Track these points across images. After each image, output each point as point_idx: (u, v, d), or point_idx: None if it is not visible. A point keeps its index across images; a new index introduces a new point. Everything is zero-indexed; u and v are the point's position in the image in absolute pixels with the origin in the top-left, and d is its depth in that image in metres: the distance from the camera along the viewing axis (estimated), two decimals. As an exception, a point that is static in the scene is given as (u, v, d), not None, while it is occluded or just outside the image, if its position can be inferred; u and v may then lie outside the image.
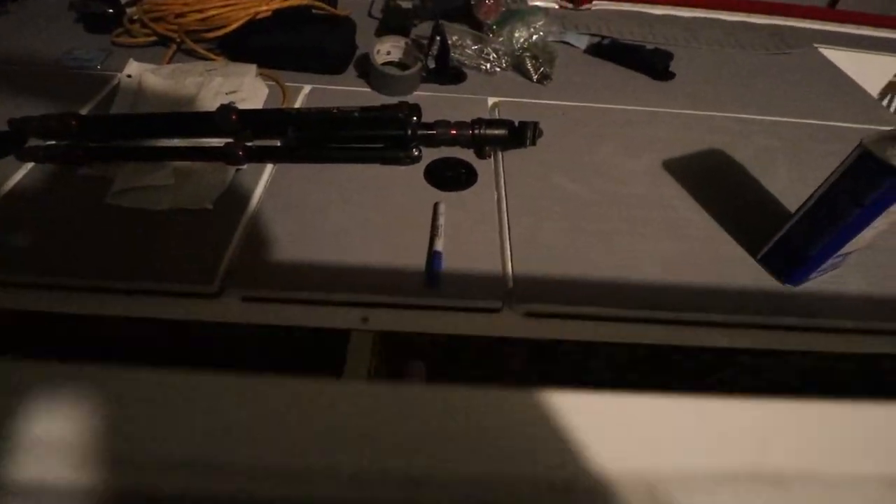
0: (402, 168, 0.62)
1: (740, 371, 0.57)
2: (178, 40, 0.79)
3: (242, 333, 0.50)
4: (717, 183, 0.64)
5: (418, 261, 0.52)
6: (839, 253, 0.49)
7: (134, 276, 0.49)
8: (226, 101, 0.63)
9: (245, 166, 0.60)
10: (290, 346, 0.52)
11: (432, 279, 0.49)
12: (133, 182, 0.56)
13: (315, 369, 0.53)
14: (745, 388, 0.62)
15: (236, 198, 0.57)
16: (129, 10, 0.86)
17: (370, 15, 0.98)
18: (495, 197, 0.60)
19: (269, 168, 0.61)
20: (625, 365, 0.62)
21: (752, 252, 0.56)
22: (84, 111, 0.68)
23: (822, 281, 0.54)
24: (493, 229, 0.56)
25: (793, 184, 0.65)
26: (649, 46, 0.92)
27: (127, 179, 0.57)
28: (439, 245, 0.52)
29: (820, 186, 0.49)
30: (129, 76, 0.73)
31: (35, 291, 0.49)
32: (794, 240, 0.52)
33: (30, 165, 0.59)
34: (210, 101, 0.67)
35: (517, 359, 0.57)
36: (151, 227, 0.54)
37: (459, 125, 0.64)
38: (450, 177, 0.61)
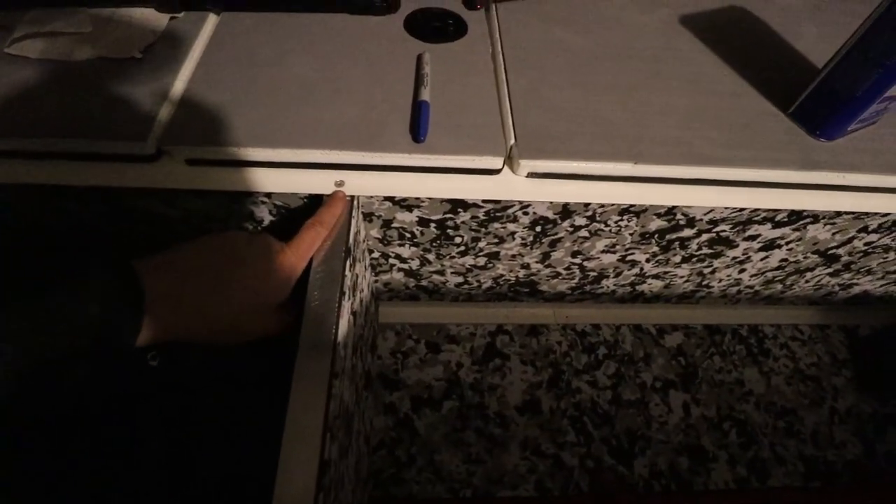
0: (376, 18, 0.52)
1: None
2: None
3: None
4: (738, 39, 0.56)
5: (401, 116, 0.43)
6: (887, 94, 0.43)
7: (51, 134, 0.39)
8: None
9: (181, 14, 0.49)
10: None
11: (419, 133, 0.41)
12: (39, 28, 0.45)
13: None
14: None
15: (172, 47, 0.46)
16: None
17: None
18: (490, 50, 0.50)
19: (211, 17, 0.50)
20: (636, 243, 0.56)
21: (783, 107, 0.49)
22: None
23: (858, 137, 0.48)
24: (489, 83, 0.47)
25: (820, 41, 0.57)
26: None
27: (31, 24, 0.45)
28: (426, 95, 0.43)
29: (867, 19, 0.42)
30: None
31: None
32: (834, 84, 0.45)
33: None
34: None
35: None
36: (68, 81, 0.43)
37: (445, -36, 0.53)
38: (435, 27, 0.51)
